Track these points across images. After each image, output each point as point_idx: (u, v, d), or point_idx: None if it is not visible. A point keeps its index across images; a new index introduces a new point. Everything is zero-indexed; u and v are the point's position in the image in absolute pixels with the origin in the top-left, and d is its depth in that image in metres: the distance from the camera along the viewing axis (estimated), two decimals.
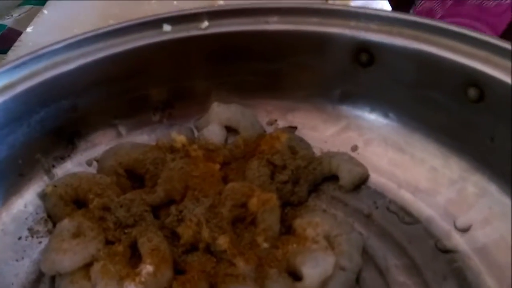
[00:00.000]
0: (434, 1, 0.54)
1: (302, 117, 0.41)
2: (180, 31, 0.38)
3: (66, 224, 0.32)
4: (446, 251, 0.32)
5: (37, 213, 0.36)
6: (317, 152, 0.38)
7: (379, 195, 0.36)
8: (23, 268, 0.33)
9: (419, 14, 0.38)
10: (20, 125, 0.35)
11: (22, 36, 0.56)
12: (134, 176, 0.37)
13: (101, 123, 0.39)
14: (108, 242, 0.32)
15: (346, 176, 0.36)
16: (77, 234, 0.32)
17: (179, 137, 0.38)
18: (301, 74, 0.40)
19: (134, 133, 0.40)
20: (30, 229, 0.35)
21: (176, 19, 0.39)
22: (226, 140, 0.39)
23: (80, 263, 0.30)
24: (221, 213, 0.32)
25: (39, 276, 0.32)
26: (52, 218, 0.35)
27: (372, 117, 0.39)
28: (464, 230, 0.33)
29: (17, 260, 0.33)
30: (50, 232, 0.34)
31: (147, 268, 0.29)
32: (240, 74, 0.40)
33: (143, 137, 0.40)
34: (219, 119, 0.40)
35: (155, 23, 0.38)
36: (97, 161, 0.38)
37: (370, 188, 0.36)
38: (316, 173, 0.36)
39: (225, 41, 0.39)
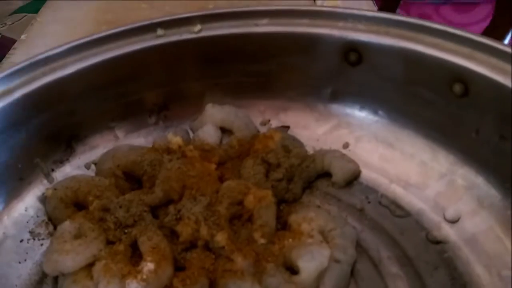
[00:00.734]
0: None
1: (294, 117, 0.41)
2: (173, 35, 0.39)
3: (67, 226, 0.33)
4: (437, 242, 0.33)
5: (37, 216, 0.36)
6: (310, 150, 0.39)
7: (371, 190, 0.37)
8: (26, 270, 0.33)
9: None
10: (19, 130, 0.36)
11: (17, 44, 0.57)
12: (132, 178, 0.38)
13: (98, 126, 0.40)
14: (109, 242, 0.32)
15: (339, 173, 0.37)
16: (78, 235, 0.33)
17: (175, 139, 0.39)
18: (292, 75, 0.40)
19: (131, 136, 0.41)
20: (31, 232, 0.36)
21: (170, 23, 0.39)
22: (221, 141, 0.40)
23: (83, 263, 0.31)
24: (218, 211, 0.33)
25: (42, 277, 0.33)
26: (52, 221, 0.36)
27: (362, 115, 0.40)
28: (454, 221, 0.34)
29: (19, 262, 0.34)
30: (51, 234, 0.35)
31: (148, 265, 0.30)
32: (233, 76, 0.41)
33: (140, 140, 0.41)
34: (213, 120, 0.40)
35: (149, 28, 0.39)
36: (95, 164, 0.39)
37: (362, 184, 0.37)
38: (310, 170, 0.37)
39: (218, 44, 0.40)
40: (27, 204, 0.37)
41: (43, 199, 0.37)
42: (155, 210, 0.35)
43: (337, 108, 0.41)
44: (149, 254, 0.31)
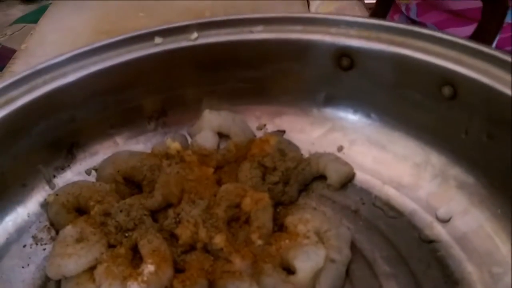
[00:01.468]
0: None
1: (290, 121, 0.42)
2: (171, 43, 0.40)
3: (69, 230, 0.34)
4: (429, 241, 0.33)
5: (40, 222, 0.37)
6: (305, 154, 0.40)
7: (365, 191, 0.37)
8: (29, 274, 0.34)
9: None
10: (21, 137, 0.37)
11: (17, 53, 0.58)
12: (132, 183, 0.38)
13: (98, 133, 0.41)
14: (110, 246, 0.33)
15: (334, 175, 0.38)
16: (80, 239, 0.33)
17: (173, 144, 0.39)
18: (286, 80, 0.41)
19: (130, 142, 0.42)
20: (34, 237, 0.36)
21: (167, 32, 0.40)
22: (218, 145, 0.41)
23: (85, 266, 0.32)
24: (216, 214, 0.33)
25: (45, 281, 0.34)
26: (54, 226, 0.36)
27: (355, 118, 0.41)
28: (445, 221, 0.34)
29: (23, 267, 0.34)
30: (53, 239, 0.36)
31: (149, 267, 0.30)
32: (229, 82, 0.42)
33: (139, 145, 0.42)
34: (211, 125, 0.41)
35: (147, 36, 0.40)
36: (95, 170, 0.40)
37: (356, 186, 0.38)
38: (305, 173, 0.38)
39: (214, 51, 0.41)
40: (30, 210, 0.37)
41: (45, 205, 0.37)
42: (155, 214, 0.36)
43: (331, 112, 0.42)
44: (149, 257, 0.31)
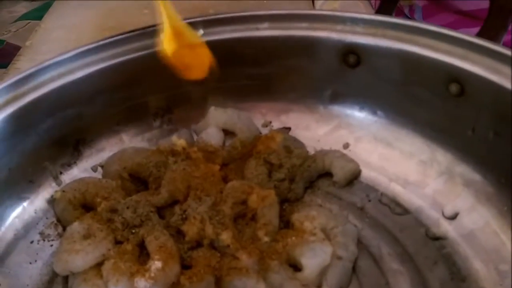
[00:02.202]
0: None
1: (295, 118, 0.42)
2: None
3: (76, 227, 0.34)
4: (436, 238, 0.34)
5: (47, 218, 0.37)
6: (311, 151, 0.40)
7: (371, 188, 0.38)
8: (37, 270, 0.34)
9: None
10: (28, 134, 0.37)
11: (21, 50, 0.58)
12: (138, 180, 0.39)
13: (104, 130, 0.41)
14: (117, 242, 0.33)
15: (339, 172, 0.38)
16: (87, 235, 0.33)
17: (179, 141, 0.40)
18: (292, 77, 0.41)
19: (136, 139, 0.42)
20: (41, 233, 0.36)
21: None
22: (224, 142, 0.41)
23: (92, 262, 0.32)
24: (223, 211, 0.34)
25: (53, 277, 0.34)
26: (61, 222, 0.37)
27: (361, 115, 0.41)
28: (452, 218, 0.34)
29: (30, 263, 0.35)
30: (60, 235, 0.36)
31: (156, 264, 0.31)
32: (235, 79, 0.42)
33: (145, 142, 0.42)
34: (216, 122, 0.41)
35: (153, 33, 0.40)
36: (102, 166, 0.40)
37: (362, 183, 0.38)
38: (311, 170, 0.38)
39: (220, 48, 0.40)
40: (37, 206, 0.38)
41: (52, 201, 0.37)
42: (161, 210, 0.36)
43: (337, 109, 0.42)
44: (156, 253, 0.31)
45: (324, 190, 0.38)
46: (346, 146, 0.40)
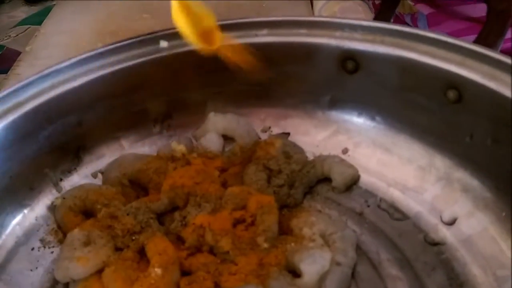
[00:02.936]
0: None
1: (294, 123, 0.42)
2: (176, 47, 0.40)
3: (76, 234, 0.34)
4: (434, 243, 0.34)
5: (47, 225, 0.37)
6: (310, 156, 0.40)
7: (370, 194, 0.38)
8: (38, 277, 0.34)
9: None
10: (29, 141, 0.37)
11: (21, 55, 0.58)
12: (138, 186, 0.39)
13: (104, 136, 0.41)
14: (118, 249, 0.34)
15: (338, 178, 0.38)
16: (87, 242, 0.34)
17: (179, 147, 0.40)
18: (291, 83, 0.41)
19: (136, 145, 0.42)
20: (42, 240, 0.37)
21: (172, 36, 0.40)
22: (223, 148, 0.41)
23: (93, 269, 0.32)
24: (222, 217, 0.34)
25: (53, 284, 0.34)
26: (62, 229, 0.37)
27: (360, 121, 0.41)
28: (450, 223, 0.34)
29: (31, 270, 0.35)
30: (60, 242, 0.36)
31: (156, 270, 0.31)
32: (234, 85, 0.42)
33: (145, 148, 0.42)
34: (216, 128, 0.41)
35: (153, 40, 0.40)
36: (102, 173, 0.40)
37: (361, 188, 0.38)
38: (310, 176, 0.38)
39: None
40: (37, 213, 0.38)
41: (53, 208, 0.38)
42: (161, 217, 0.36)
43: (335, 114, 0.42)
44: (156, 260, 0.32)
45: (323, 195, 0.38)
46: (345, 151, 0.41)
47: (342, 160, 0.39)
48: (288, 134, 0.42)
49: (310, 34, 0.40)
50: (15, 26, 0.69)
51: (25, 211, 0.38)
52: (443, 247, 0.33)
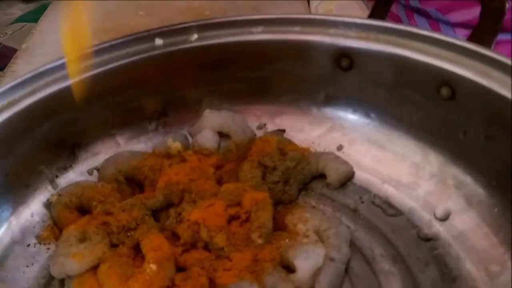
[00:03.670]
0: None
1: (290, 120, 0.43)
2: (171, 45, 0.40)
3: (72, 230, 0.34)
4: (428, 239, 0.34)
5: (43, 221, 0.38)
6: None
7: (364, 190, 0.38)
8: (34, 274, 0.35)
9: None
10: (24, 139, 0.37)
11: (18, 53, 0.58)
12: (133, 183, 0.39)
13: (100, 134, 0.41)
14: (113, 245, 0.34)
15: (333, 174, 0.38)
16: (83, 239, 0.34)
17: (174, 144, 0.40)
18: (286, 80, 0.42)
19: (131, 142, 0.42)
20: (37, 237, 0.37)
21: (167, 33, 0.40)
22: (219, 145, 0.41)
23: (88, 265, 0.32)
24: (217, 213, 0.34)
25: (49, 280, 0.34)
26: (57, 226, 0.37)
27: (355, 118, 0.41)
28: (443, 219, 0.35)
29: (27, 266, 0.35)
30: (56, 238, 0.36)
31: (151, 266, 0.31)
32: (229, 82, 0.42)
33: (140, 146, 0.42)
34: (211, 125, 0.42)
35: (148, 38, 0.40)
36: (97, 170, 0.40)
37: (356, 184, 0.38)
38: (305, 172, 0.38)
39: (214, 52, 0.41)
40: (33, 210, 0.38)
41: (48, 205, 0.38)
42: (156, 213, 0.36)
43: (330, 111, 0.42)
44: (151, 256, 0.32)
45: (318, 192, 0.39)
46: (339, 148, 0.41)
47: (337, 157, 0.39)
48: (283, 131, 0.43)
49: (305, 31, 0.40)
50: (11, 24, 0.69)
51: (21, 207, 0.38)
52: (436, 243, 0.34)
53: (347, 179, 0.39)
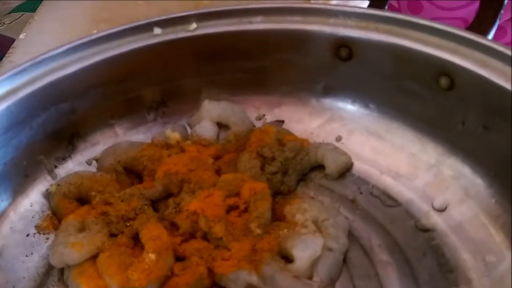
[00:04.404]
0: None
1: (289, 111, 0.42)
2: (170, 34, 0.40)
3: (71, 220, 0.34)
4: (425, 230, 0.34)
5: (42, 211, 0.38)
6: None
7: (362, 181, 0.38)
8: (33, 263, 0.35)
9: None
10: (23, 128, 0.37)
11: (16, 43, 0.58)
12: (132, 173, 0.39)
13: (98, 124, 0.41)
14: (112, 235, 0.34)
15: (332, 165, 0.38)
16: (82, 228, 0.34)
17: (173, 134, 0.40)
18: (285, 70, 0.41)
19: (130, 132, 0.42)
20: (37, 226, 0.37)
21: (166, 22, 0.40)
22: (217, 136, 0.41)
23: (87, 255, 0.32)
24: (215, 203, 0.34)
25: (48, 269, 0.34)
26: (57, 215, 0.37)
27: (353, 108, 0.41)
28: (441, 210, 0.35)
29: (26, 256, 0.35)
30: (56, 228, 0.36)
31: (150, 256, 0.31)
32: (228, 72, 0.42)
33: (139, 136, 0.42)
34: (210, 115, 0.42)
35: (146, 27, 0.40)
36: (96, 160, 0.40)
37: (354, 175, 0.38)
38: (304, 163, 0.38)
39: (213, 42, 0.41)
40: (32, 199, 0.38)
41: (47, 195, 0.38)
42: (155, 203, 0.36)
43: (329, 102, 0.42)
44: (150, 245, 0.32)
45: (317, 182, 0.39)
46: (338, 139, 0.41)
47: (336, 148, 0.39)
48: (282, 121, 0.43)
49: (304, 21, 0.39)
50: (9, 13, 0.68)
51: (20, 197, 0.38)
52: (434, 233, 0.34)
53: (346, 169, 0.39)
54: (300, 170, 0.38)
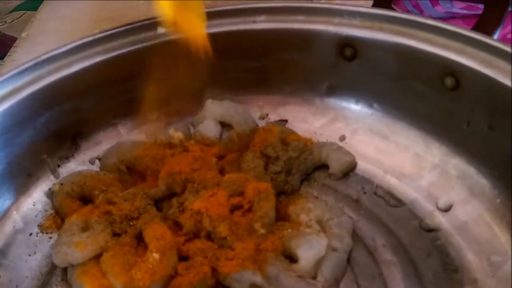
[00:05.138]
0: None
1: (292, 111, 0.42)
2: (174, 33, 0.40)
3: (74, 220, 0.34)
4: (430, 230, 0.34)
5: (45, 211, 0.38)
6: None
7: (366, 181, 0.38)
8: (36, 262, 0.35)
9: None
10: (26, 128, 0.37)
11: (18, 41, 0.58)
12: (135, 172, 0.39)
13: (101, 123, 0.41)
14: (115, 234, 0.34)
15: (336, 165, 0.38)
16: (85, 228, 0.34)
17: (176, 134, 0.40)
18: (289, 70, 0.41)
19: (133, 132, 0.42)
20: (40, 226, 0.37)
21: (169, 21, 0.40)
22: (221, 135, 0.41)
23: (91, 254, 0.32)
24: (219, 203, 0.34)
25: (52, 268, 0.34)
26: (60, 215, 0.37)
27: (357, 108, 0.41)
28: (446, 210, 0.35)
29: (30, 255, 0.35)
30: (59, 227, 0.36)
31: (154, 255, 0.31)
32: (231, 72, 0.42)
33: (142, 135, 0.42)
34: (213, 115, 0.41)
35: (150, 26, 0.40)
36: (99, 159, 0.40)
37: (358, 175, 0.38)
38: (307, 163, 0.38)
39: (216, 41, 0.40)
40: (35, 199, 0.38)
41: (50, 194, 0.38)
42: (159, 203, 0.36)
43: (333, 102, 0.42)
44: (154, 245, 0.32)
45: (320, 182, 0.39)
46: (342, 138, 0.41)
47: (340, 147, 0.39)
48: (286, 121, 0.42)
49: (308, 20, 0.39)
50: (11, 12, 0.68)
51: (23, 197, 0.38)
52: (439, 233, 0.34)
53: (350, 169, 0.39)
54: (303, 169, 0.38)
